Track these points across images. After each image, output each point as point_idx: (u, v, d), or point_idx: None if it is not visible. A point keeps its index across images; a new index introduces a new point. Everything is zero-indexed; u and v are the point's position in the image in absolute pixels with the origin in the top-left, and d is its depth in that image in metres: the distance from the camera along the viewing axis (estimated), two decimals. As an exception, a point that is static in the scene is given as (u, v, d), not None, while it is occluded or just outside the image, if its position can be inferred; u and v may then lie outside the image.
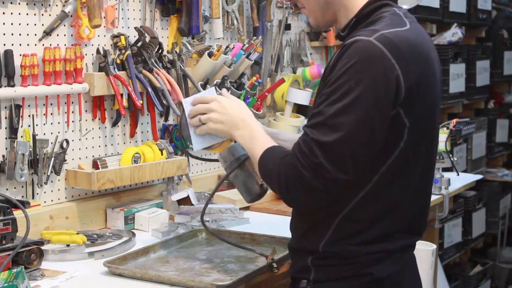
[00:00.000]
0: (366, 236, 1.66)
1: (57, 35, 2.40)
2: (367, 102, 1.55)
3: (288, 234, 1.82)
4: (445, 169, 3.38)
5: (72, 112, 2.46)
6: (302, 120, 3.30)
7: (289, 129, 3.26)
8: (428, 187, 1.79)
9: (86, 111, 2.52)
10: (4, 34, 2.26)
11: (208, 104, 1.90)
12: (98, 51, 2.52)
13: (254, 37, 3.08)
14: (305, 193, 1.60)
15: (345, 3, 1.74)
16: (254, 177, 1.89)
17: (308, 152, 1.58)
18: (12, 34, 2.28)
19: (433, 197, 3.15)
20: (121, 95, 2.52)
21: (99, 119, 2.56)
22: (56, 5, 2.40)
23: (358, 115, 1.55)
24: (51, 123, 2.40)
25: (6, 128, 2.28)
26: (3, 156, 2.27)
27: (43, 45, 2.36)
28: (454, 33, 4.46)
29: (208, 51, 2.84)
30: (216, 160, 2.06)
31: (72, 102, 2.46)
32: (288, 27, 3.43)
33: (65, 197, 2.47)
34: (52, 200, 2.42)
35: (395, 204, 1.67)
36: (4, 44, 2.26)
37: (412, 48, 1.61)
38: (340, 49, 1.63)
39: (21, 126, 2.30)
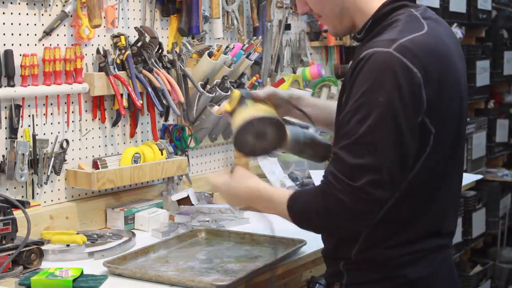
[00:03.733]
0: (397, 240, 1.66)
1: (57, 35, 2.41)
2: (395, 116, 1.54)
3: (288, 234, 1.83)
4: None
5: (72, 112, 2.46)
6: (302, 120, 3.30)
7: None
8: (458, 187, 1.79)
9: (86, 111, 2.52)
10: (4, 34, 2.26)
11: (219, 190, 1.91)
12: (98, 51, 2.52)
13: (254, 37, 3.08)
14: (349, 218, 1.57)
15: (361, 7, 1.72)
16: (323, 144, 1.95)
17: (345, 177, 1.55)
18: (12, 34, 2.28)
19: (433, 197, 3.15)
20: (121, 95, 2.52)
21: (99, 119, 2.56)
22: (56, 5, 2.40)
23: (388, 131, 1.54)
24: (51, 123, 2.40)
25: (6, 128, 2.28)
26: (3, 156, 2.27)
27: (43, 45, 2.36)
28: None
29: (208, 51, 2.84)
30: None
31: (72, 102, 2.46)
32: (288, 27, 3.43)
33: (65, 197, 2.47)
34: (52, 200, 2.42)
35: (424, 209, 1.66)
36: (4, 44, 2.26)
37: (431, 54, 1.59)
38: (359, 61, 1.59)
39: (21, 126, 2.30)
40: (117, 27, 2.60)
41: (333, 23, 1.79)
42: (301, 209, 1.65)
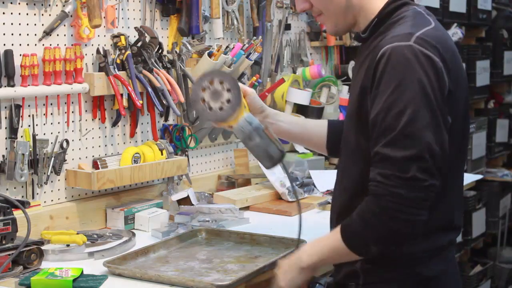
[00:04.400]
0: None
1: (57, 35, 2.41)
2: (429, 105, 1.57)
3: (288, 234, 1.82)
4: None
5: (72, 112, 2.46)
6: (302, 120, 3.30)
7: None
8: (462, 183, 1.82)
9: (86, 111, 2.52)
10: (4, 34, 2.26)
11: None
12: (98, 51, 2.52)
13: (254, 37, 3.08)
14: (410, 210, 1.57)
15: (365, 5, 1.74)
16: (274, 142, 1.88)
17: (395, 172, 1.56)
18: (12, 34, 2.28)
19: (433, 197, 3.15)
20: (121, 95, 2.52)
21: (99, 119, 2.56)
22: (56, 5, 2.40)
23: (426, 120, 1.56)
24: (51, 123, 2.40)
25: (6, 128, 2.28)
26: (3, 156, 2.27)
27: (43, 45, 2.36)
28: (454, 33, 4.46)
29: (208, 51, 2.84)
30: None
31: (72, 102, 2.46)
32: (288, 27, 3.43)
33: (65, 197, 2.47)
34: (52, 200, 2.42)
35: (438, 200, 1.67)
36: (4, 44, 2.26)
37: (444, 46, 1.64)
38: (380, 58, 1.60)
39: (21, 126, 2.30)
40: (117, 27, 2.60)
41: (335, 21, 1.78)
42: (357, 224, 1.63)
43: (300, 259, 1.76)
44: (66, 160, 2.44)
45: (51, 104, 2.40)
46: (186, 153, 2.84)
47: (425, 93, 1.56)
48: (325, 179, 3.04)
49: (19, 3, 2.30)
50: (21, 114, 2.29)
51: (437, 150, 1.57)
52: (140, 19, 2.70)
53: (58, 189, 2.44)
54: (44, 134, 2.38)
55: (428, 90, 1.57)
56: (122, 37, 2.56)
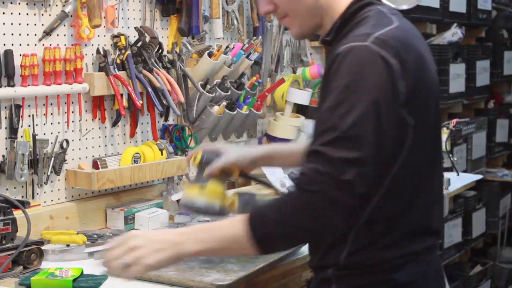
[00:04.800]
0: (386, 241, 1.62)
1: (57, 35, 2.41)
2: (378, 108, 1.52)
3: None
4: (445, 169, 3.38)
5: (72, 112, 2.46)
6: (302, 120, 3.31)
7: (289, 129, 3.26)
8: (440, 185, 1.77)
9: (86, 111, 2.52)
10: (4, 34, 2.26)
11: (126, 244, 1.58)
12: (98, 51, 2.52)
13: (254, 37, 3.08)
14: (340, 214, 1.52)
15: (332, 5, 1.69)
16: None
17: (332, 172, 1.50)
18: (12, 34, 2.28)
19: (433, 197, 3.16)
20: (121, 95, 2.52)
21: (99, 119, 2.56)
22: (56, 5, 2.40)
23: (372, 124, 1.51)
24: (51, 123, 2.40)
25: (6, 128, 2.28)
26: (3, 156, 2.27)
27: (43, 45, 2.36)
28: (454, 33, 4.46)
29: (208, 51, 2.84)
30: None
31: (72, 102, 2.46)
32: (288, 27, 3.43)
33: (65, 197, 2.47)
34: (52, 200, 2.42)
35: (410, 204, 1.64)
36: (4, 44, 2.26)
37: (405, 46, 1.58)
38: (335, 57, 1.57)
39: (21, 126, 2.30)
40: (117, 27, 2.60)
41: (301, 22, 1.72)
42: (270, 217, 1.54)
43: (181, 245, 1.57)
44: (66, 160, 2.44)
45: (51, 104, 2.40)
46: (186, 153, 2.84)
47: (375, 96, 1.51)
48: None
49: (19, 3, 2.30)
50: (21, 114, 2.29)
51: (378, 156, 1.53)
52: (140, 19, 2.70)
53: (58, 189, 2.44)
54: (44, 134, 2.38)
55: (378, 93, 1.51)
56: (122, 37, 2.56)
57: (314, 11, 1.70)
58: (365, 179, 1.51)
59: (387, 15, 1.65)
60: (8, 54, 2.23)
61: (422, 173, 1.66)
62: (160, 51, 2.67)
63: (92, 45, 2.53)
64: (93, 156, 2.55)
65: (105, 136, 2.60)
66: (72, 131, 2.47)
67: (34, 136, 2.33)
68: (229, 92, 2.91)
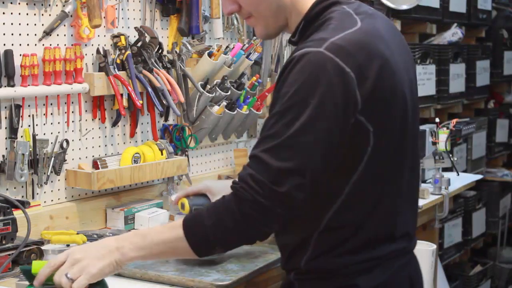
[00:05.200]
0: (347, 247, 1.59)
1: (57, 35, 2.41)
2: (325, 117, 1.48)
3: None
4: (445, 169, 3.38)
5: (72, 112, 2.46)
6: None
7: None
8: (412, 190, 1.72)
9: (86, 111, 2.52)
10: (4, 34, 2.26)
11: (63, 263, 1.61)
12: (98, 51, 2.52)
13: (254, 37, 3.08)
14: (267, 222, 1.52)
15: (296, 5, 1.65)
16: None
17: (268, 181, 1.48)
18: (12, 34, 2.28)
19: (433, 197, 3.16)
20: (121, 95, 2.52)
21: (99, 119, 2.56)
22: (56, 5, 2.40)
23: (317, 134, 1.48)
24: (51, 123, 2.40)
25: (6, 128, 2.28)
26: (3, 156, 2.27)
27: (43, 45, 2.36)
28: (454, 33, 4.46)
29: (208, 51, 2.84)
30: None
31: (72, 102, 2.46)
32: (288, 27, 3.43)
33: (65, 197, 2.47)
34: (52, 200, 2.42)
35: (371, 212, 1.60)
36: (4, 44, 2.26)
37: (364, 51, 1.52)
38: (289, 62, 1.53)
39: (21, 126, 2.30)
40: (117, 27, 2.60)
41: (265, 23, 1.69)
42: (206, 222, 1.54)
43: (120, 250, 1.60)
44: (66, 160, 2.44)
45: (51, 104, 2.40)
46: (186, 153, 2.84)
47: (323, 105, 1.47)
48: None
49: (19, 3, 2.30)
50: (21, 114, 2.29)
51: (319, 167, 1.50)
52: (140, 19, 2.70)
53: (58, 189, 2.44)
54: (44, 134, 2.38)
55: (327, 102, 1.47)
56: (122, 37, 2.56)
57: (277, 11, 1.66)
58: (301, 189, 1.49)
59: (352, 16, 1.59)
60: (8, 54, 2.23)
61: (385, 179, 1.61)
62: (160, 51, 2.67)
63: (92, 45, 2.53)
64: (93, 156, 2.56)
65: (105, 136, 2.60)
66: (72, 131, 2.47)
67: (34, 136, 2.33)
68: (229, 92, 2.91)
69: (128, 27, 2.65)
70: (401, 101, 1.61)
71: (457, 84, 4.52)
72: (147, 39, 2.62)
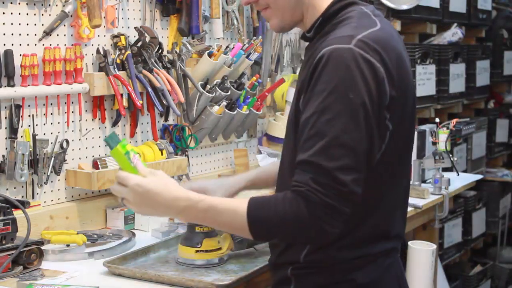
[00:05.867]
0: (346, 242, 1.60)
1: (57, 35, 2.41)
2: (365, 113, 1.50)
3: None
4: (445, 169, 3.38)
5: (72, 112, 2.46)
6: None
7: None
8: (406, 192, 1.75)
9: (86, 111, 2.52)
10: (4, 34, 2.26)
11: (125, 190, 1.70)
12: (98, 51, 2.52)
13: (254, 37, 3.08)
14: (334, 222, 1.51)
15: (314, 2, 1.67)
16: None
17: (331, 182, 1.48)
18: (12, 34, 2.28)
19: (433, 197, 3.16)
20: (121, 95, 2.52)
21: (99, 119, 2.56)
22: (56, 5, 2.40)
23: (360, 129, 1.50)
24: (51, 123, 2.40)
25: (6, 128, 2.28)
26: (3, 156, 2.27)
27: (43, 45, 2.36)
28: (454, 33, 4.46)
29: (208, 51, 2.84)
30: None
31: (72, 102, 2.46)
32: (288, 27, 3.43)
33: (65, 197, 2.47)
34: (52, 200, 2.42)
35: (372, 209, 1.62)
36: (4, 44, 2.26)
37: (388, 49, 1.56)
38: (319, 59, 1.54)
39: (21, 126, 2.30)
40: (117, 27, 2.61)
41: (282, 16, 1.70)
42: (270, 217, 1.53)
43: (181, 216, 1.65)
44: (66, 160, 2.44)
45: (51, 104, 2.40)
46: (186, 153, 2.84)
47: (362, 102, 1.49)
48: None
49: (19, 3, 2.30)
50: (21, 114, 2.29)
51: (365, 161, 1.52)
52: (140, 19, 2.70)
53: (58, 189, 2.44)
54: (44, 134, 2.38)
55: (364, 97, 1.49)
56: (122, 37, 2.56)
57: (295, 5, 1.68)
58: (359, 184, 1.51)
59: (371, 17, 1.63)
60: (8, 54, 2.23)
61: (390, 178, 1.64)
62: (160, 51, 2.67)
63: (92, 45, 2.53)
64: (93, 156, 2.56)
65: (105, 136, 2.59)
66: (72, 131, 2.47)
67: (34, 136, 2.33)
68: (229, 92, 2.91)
69: (128, 27, 2.65)
70: (411, 102, 1.65)
71: (457, 84, 4.52)
72: (147, 39, 2.62)
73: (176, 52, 2.75)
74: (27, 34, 2.32)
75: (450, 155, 3.28)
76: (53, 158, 2.38)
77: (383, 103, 1.53)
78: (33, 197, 2.35)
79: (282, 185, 1.70)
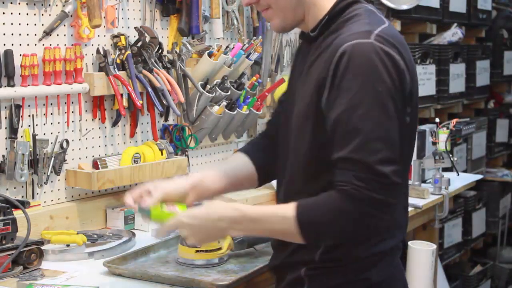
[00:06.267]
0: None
1: (57, 35, 2.41)
2: (394, 104, 1.52)
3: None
4: (445, 169, 3.38)
5: (72, 112, 2.46)
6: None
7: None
8: (407, 187, 1.78)
9: (86, 111, 2.52)
10: (4, 34, 2.26)
11: (181, 231, 1.70)
12: (98, 51, 2.52)
13: (254, 37, 3.08)
14: (384, 215, 1.53)
15: (315, 1, 1.67)
16: None
17: (373, 176, 1.49)
18: (12, 34, 2.28)
19: (433, 197, 3.16)
20: (121, 95, 2.52)
21: (99, 119, 2.56)
22: (56, 5, 2.40)
23: (393, 120, 1.52)
24: (51, 123, 2.40)
25: (6, 128, 2.28)
26: (3, 156, 2.27)
27: (43, 45, 2.36)
28: (454, 33, 4.46)
29: (208, 51, 2.84)
30: None
31: (72, 102, 2.46)
32: (288, 27, 3.43)
33: (65, 197, 2.47)
34: (52, 200, 2.42)
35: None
36: (4, 44, 2.26)
37: (402, 44, 1.59)
38: (340, 55, 1.54)
39: (21, 126, 2.30)
40: (117, 27, 2.60)
41: (284, 16, 1.70)
42: (320, 220, 1.55)
43: (228, 232, 1.67)
44: (66, 160, 2.44)
45: (51, 104, 2.40)
46: (186, 153, 2.84)
47: (390, 94, 1.51)
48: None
49: (19, 3, 2.30)
50: (21, 114, 2.29)
51: (401, 153, 1.54)
52: (140, 19, 2.70)
53: (58, 189, 2.44)
54: (44, 134, 2.38)
55: (392, 89, 1.52)
56: (122, 37, 2.56)
57: (297, 5, 1.68)
58: (399, 175, 1.53)
59: (377, 14, 1.65)
60: (8, 54, 2.23)
61: (405, 175, 1.68)
62: (160, 51, 2.67)
63: (92, 45, 2.53)
64: (93, 156, 2.55)
65: (105, 136, 2.60)
66: (72, 131, 2.47)
67: (34, 136, 2.33)
68: (229, 92, 2.91)
69: (128, 27, 2.65)
70: (416, 98, 1.67)
71: (457, 84, 4.51)
72: (147, 39, 2.62)
73: (176, 52, 2.75)
74: (27, 34, 2.32)
75: (450, 155, 3.28)
76: (53, 158, 2.38)
77: (405, 96, 1.56)
78: (33, 197, 2.35)
79: (296, 175, 1.69)
